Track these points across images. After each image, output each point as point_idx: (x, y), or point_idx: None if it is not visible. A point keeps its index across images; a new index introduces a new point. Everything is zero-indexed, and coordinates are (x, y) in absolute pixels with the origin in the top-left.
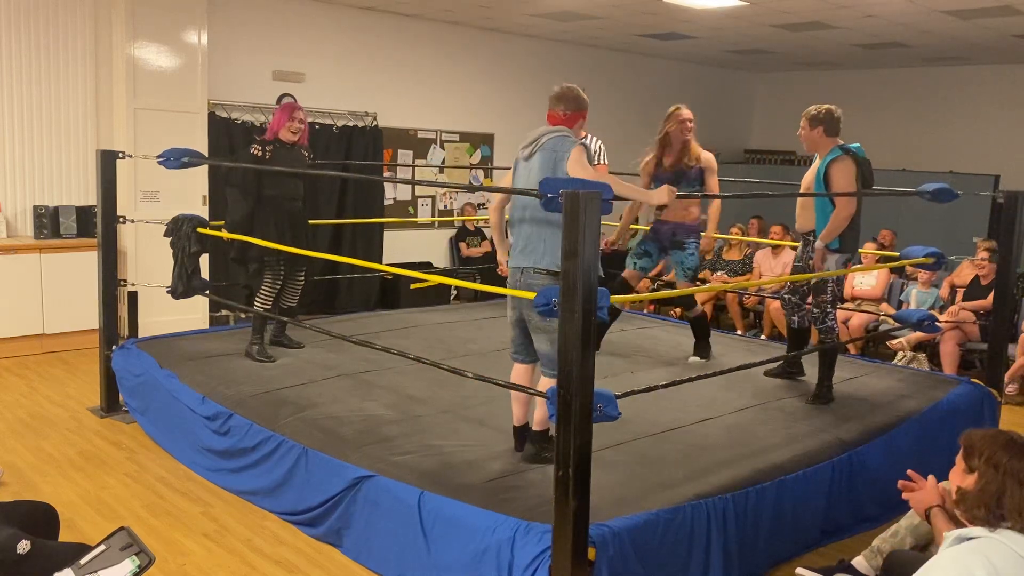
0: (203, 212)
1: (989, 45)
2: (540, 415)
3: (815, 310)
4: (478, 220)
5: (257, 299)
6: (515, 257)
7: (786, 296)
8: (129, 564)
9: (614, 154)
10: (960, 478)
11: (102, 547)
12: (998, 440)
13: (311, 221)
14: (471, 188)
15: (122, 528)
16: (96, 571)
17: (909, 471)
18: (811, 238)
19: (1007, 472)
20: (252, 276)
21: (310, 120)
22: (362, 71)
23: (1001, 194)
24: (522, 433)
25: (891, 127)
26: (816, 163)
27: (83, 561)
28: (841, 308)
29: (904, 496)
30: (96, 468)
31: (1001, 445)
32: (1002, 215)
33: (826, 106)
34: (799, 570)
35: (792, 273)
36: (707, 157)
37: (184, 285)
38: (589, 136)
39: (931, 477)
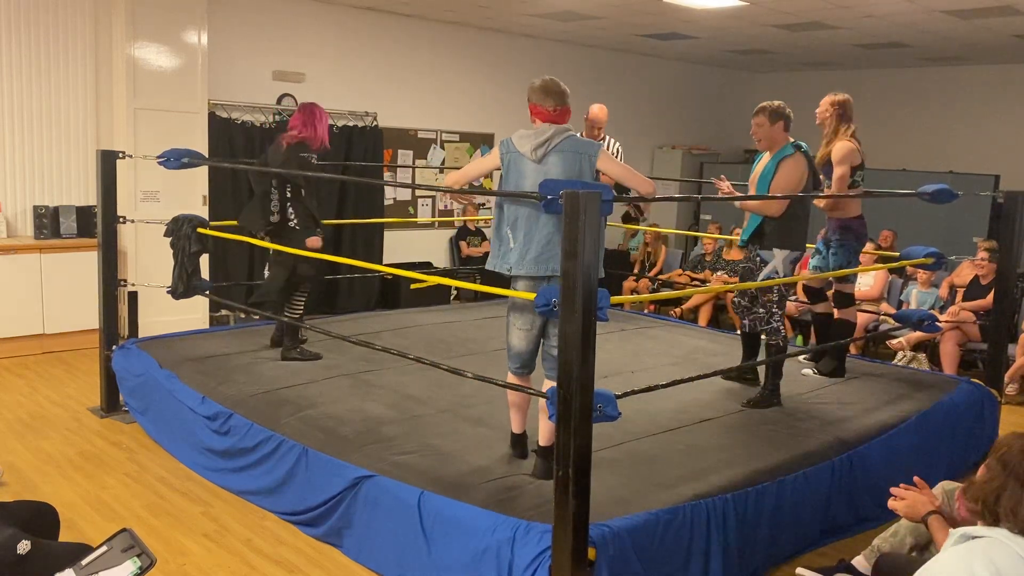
0: (203, 212)
1: (989, 45)
2: (551, 430)
3: (760, 310)
4: (479, 220)
5: (297, 306)
6: (525, 264)
7: (735, 300)
8: (130, 565)
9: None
10: (980, 472)
11: (104, 548)
12: (1018, 442)
13: None
14: (471, 190)
15: (124, 530)
16: (97, 572)
17: (916, 478)
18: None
19: (1013, 472)
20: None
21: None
22: (362, 71)
23: (1001, 194)
24: (522, 441)
25: (891, 127)
26: (765, 159)
27: (84, 562)
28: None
29: (891, 505)
30: (96, 468)
31: (1019, 447)
32: (1002, 215)
33: (778, 101)
34: (799, 570)
35: (741, 274)
36: (837, 147)
37: (184, 285)
38: (608, 138)
39: (921, 483)
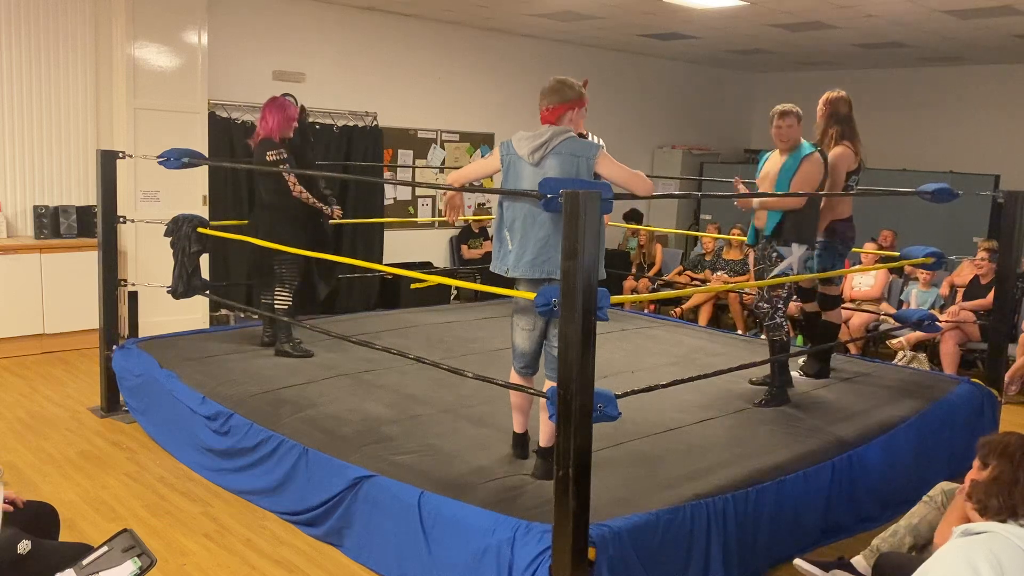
0: (203, 212)
1: (989, 45)
2: (551, 431)
3: (764, 305)
4: (482, 219)
5: (283, 300)
6: (521, 266)
7: (758, 304)
8: (131, 566)
9: (614, 154)
10: (975, 473)
11: (105, 548)
12: (1014, 439)
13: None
14: (471, 189)
15: (125, 530)
16: (98, 572)
17: None
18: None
19: (1021, 465)
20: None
21: (310, 120)
22: (362, 71)
23: (1001, 194)
24: (523, 441)
25: (891, 127)
26: (776, 157)
27: (85, 562)
28: (842, 308)
29: None
30: (96, 468)
31: (1017, 443)
32: (1002, 215)
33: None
34: (797, 561)
35: (758, 276)
36: (834, 153)
37: (184, 285)
38: (589, 134)
39: None
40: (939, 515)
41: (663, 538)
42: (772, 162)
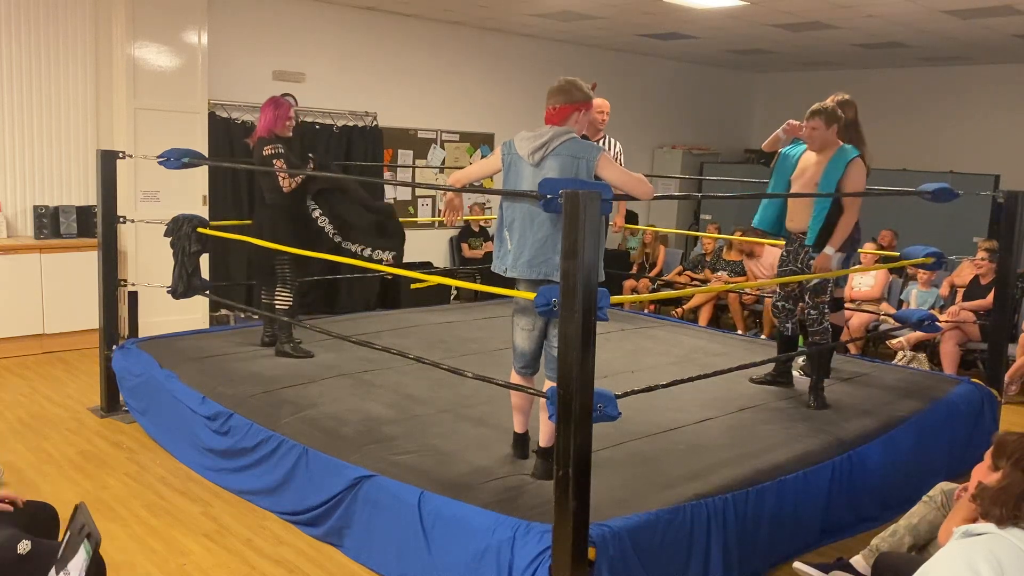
0: (203, 212)
1: (989, 45)
2: (551, 431)
3: (812, 312)
4: (482, 219)
5: (284, 300)
6: (518, 267)
7: (780, 304)
8: (83, 552)
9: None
10: (983, 474)
11: (68, 533)
12: None
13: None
14: (470, 189)
15: (77, 507)
16: (65, 564)
17: None
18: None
19: None
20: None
21: (310, 120)
22: (362, 71)
23: (1001, 194)
24: (523, 441)
25: (891, 127)
26: (813, 156)
27: (59, 554)
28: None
29: None
30: (96, 468)
31: None
32: (1002, 215)
33: (831, 103)
34: (796, 565)
35: (784, 276)
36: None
37: (184, 285)
38: (607, 137)
39: None
40: (939, 515)
41: (663, 538)
42: (808, 161)
